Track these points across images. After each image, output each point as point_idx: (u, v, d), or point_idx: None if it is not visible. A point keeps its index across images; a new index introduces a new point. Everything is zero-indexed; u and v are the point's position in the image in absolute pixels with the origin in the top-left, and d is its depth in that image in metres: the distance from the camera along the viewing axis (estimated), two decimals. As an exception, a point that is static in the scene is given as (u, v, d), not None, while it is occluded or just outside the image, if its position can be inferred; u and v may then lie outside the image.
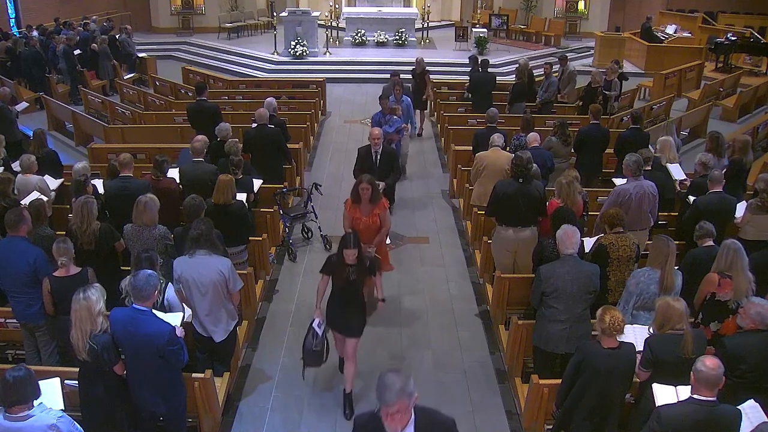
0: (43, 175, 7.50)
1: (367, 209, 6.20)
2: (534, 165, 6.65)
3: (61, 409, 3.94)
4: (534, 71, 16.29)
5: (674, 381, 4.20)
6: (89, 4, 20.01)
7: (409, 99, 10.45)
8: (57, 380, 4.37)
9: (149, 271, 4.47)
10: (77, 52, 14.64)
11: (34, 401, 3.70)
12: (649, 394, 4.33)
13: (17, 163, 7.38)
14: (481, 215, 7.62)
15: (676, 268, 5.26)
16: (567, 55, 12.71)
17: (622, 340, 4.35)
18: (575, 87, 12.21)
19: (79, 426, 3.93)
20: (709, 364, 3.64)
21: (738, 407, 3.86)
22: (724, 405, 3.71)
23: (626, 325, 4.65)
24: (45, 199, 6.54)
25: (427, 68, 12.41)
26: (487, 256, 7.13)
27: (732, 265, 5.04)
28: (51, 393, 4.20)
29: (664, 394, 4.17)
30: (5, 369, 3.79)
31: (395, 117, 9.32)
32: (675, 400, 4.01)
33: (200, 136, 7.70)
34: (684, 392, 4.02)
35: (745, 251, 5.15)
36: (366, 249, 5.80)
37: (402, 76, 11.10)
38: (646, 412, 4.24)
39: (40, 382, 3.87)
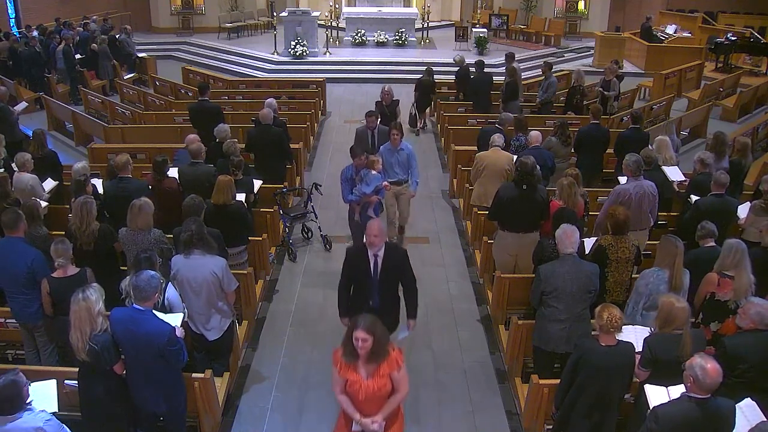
0: (45, 177, 7.51)
1: (369, 369, 3.96)
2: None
3: (53, 412, 3.92)
4: (533, 72, 16.56)
5: (672, 381, 4.19)
6: (89, 4, 20.00)
7: (410, 147, 7.93)
8: (53, 382, 4.36)
9: (152, 272, 4.46)
10: (78, 56, 14.64)
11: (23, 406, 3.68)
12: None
13: (15, 163, 7.39)
14: (481, 215, 7.62)
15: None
16: (513, 53, 12.87)
17: (621, 338, 4.35)
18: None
19: (68, 429, 3.91)
20: (711, 372, 3.59)
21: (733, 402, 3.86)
22: (718, 399, 3.71)
23: (628, 325, 4.66)
24: (43, 204, 6.53)
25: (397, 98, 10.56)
26: (487, 256, 7.13)
27: (738, 264, 5.04)
28: (46, 395, 4.19)
29: (657, 395, 4.17)
30: (5, 369, 3.78)
31: (373, 172, 6.93)
32: (668, 400, 4.01)
33: (192, 136, 7.68)
34: (675, 392, 4.03)
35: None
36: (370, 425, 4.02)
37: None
38: (644, 412, 4.23)
39: (36, 384, 3.84)
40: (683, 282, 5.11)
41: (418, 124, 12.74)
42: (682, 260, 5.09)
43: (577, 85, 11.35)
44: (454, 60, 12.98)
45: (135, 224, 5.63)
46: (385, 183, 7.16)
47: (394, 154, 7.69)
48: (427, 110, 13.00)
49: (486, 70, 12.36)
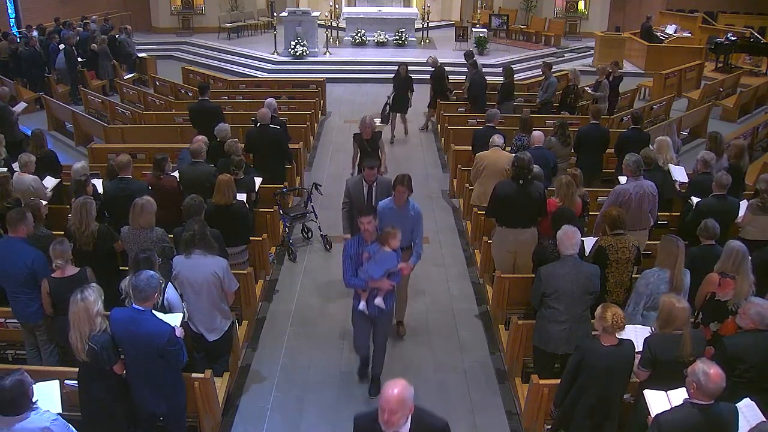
0: (44, 176, 7.51)
1: None
2: (536, 166, 6.64)
3: (58, 412, 3.92)
4: (532, 72, 16.57)
5: (672, 381, 4.19)
6: (89, 4, 20.00)
7: (419, 207, 6.03)
8: (56, 383, 4.35)
9: (151, 272, 4.46)
10: (79, 58, 14.65)
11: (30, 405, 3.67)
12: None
13: (17, 163, 7.39)
14: (481, 215, 7.62)
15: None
16: (473, 51, 13.06)
17: (621, 337, 4.35)
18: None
19: (74, 429, 3.91)
20: (714, 378, 3.57)
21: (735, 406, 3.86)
22: (721, 404, 3.70)
23: (628, 325, 4.66)
24: (44, 203, 6.54)
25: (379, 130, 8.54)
26: (487, 256, 7.13)
27: (739, 267, 5.04)
28: (49, 395, 4.19)
29: (657, 401, 4.16)
30: (5, 369, 3.77)
31: (387, 249, 5.17)
32: (668, 406, 4.01)
33: (199, 137, 7.70)
34: (675, 396, 4.02)
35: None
36: None
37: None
38: (644, 413, 4.24)
39: (39, 384, 3.82)
40: (684, 282, 5.11)
41: (393, 130, 12.13)
42: (683, 260, 5.09)
43: (571, 85, 11.39)
44: (427, 61, 12.97)
45: (137, 223, 5.64)
46: (402, 265, 5.36)
47: (397, 215, 5.81)
48: (406, 116, 12.34)
49: (486, 70, 12.36)
